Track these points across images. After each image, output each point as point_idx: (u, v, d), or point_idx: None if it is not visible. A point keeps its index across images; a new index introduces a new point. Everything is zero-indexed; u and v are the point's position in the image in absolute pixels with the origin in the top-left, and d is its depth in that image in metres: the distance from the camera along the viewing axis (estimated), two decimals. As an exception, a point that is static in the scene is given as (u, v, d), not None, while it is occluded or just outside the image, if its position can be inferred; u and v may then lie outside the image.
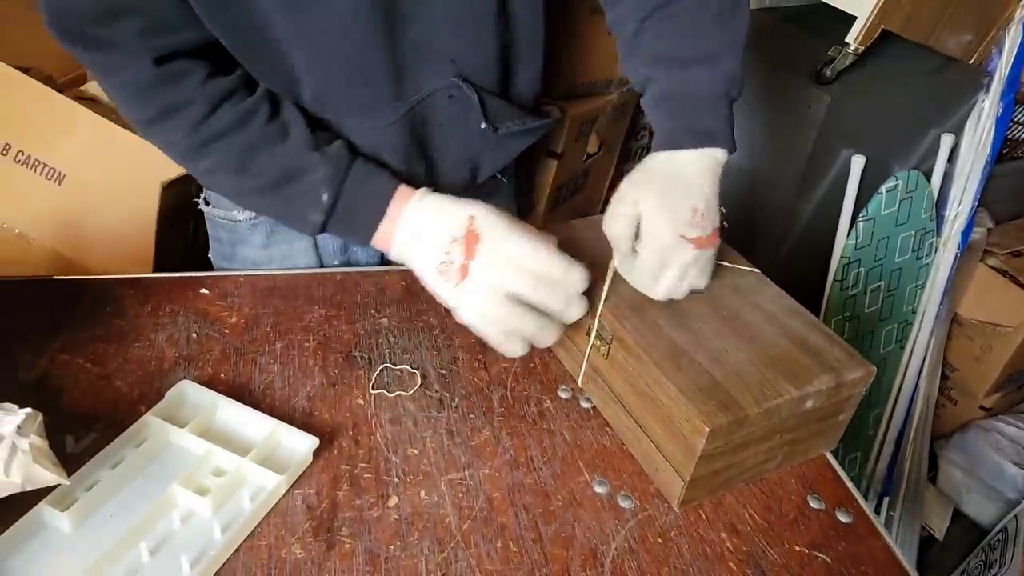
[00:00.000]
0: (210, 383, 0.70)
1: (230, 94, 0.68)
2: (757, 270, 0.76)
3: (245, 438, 0.66)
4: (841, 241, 1.42)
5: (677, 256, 0.67)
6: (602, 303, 0.69)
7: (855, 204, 1.40)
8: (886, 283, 1.48)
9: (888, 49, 1.36)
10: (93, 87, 1.44)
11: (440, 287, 0.68)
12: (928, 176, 1.42)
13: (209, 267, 0.95)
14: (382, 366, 0.75)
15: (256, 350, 0.75)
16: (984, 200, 1.50)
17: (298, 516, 0.60)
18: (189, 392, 0.69)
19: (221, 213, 0.89)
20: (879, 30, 1.26)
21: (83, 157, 1.22)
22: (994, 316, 1.63)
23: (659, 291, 0.68)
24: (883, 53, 1.35)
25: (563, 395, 0.74)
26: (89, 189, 1.22)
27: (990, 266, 1.64)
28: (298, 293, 0.83)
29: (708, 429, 0.58)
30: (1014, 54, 1.33)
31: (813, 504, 0.66)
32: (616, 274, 0.72)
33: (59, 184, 1.22)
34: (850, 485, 0.69)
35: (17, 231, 1.23)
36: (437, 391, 0.73)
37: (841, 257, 1.42)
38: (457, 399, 0.72)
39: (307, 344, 0.77)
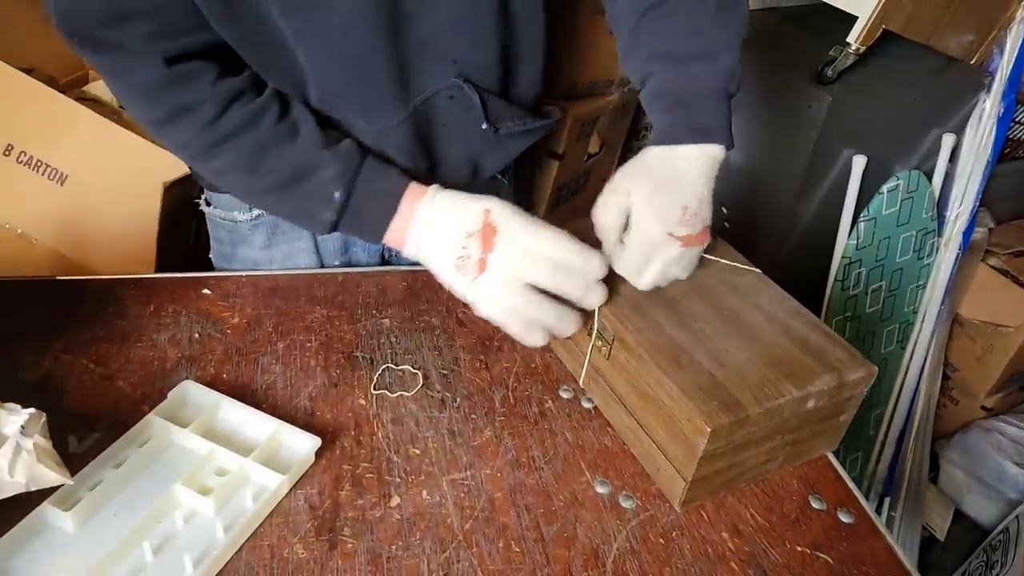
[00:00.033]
0: (212, 383, 0.70)
1: (240, 94, 0.68)
2: (758, 270, 0.76)
3: (247, 438, 0.66)
4: (842, 241, 1.42)
5: (663, 252, 0.68)
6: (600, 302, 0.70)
7: (856, 204, 1.40)
8: (887, 283, 1.48)
9: (889, 49, 1.36)
10: (95, 88, 1.45)
11: (458, 282, 0.68)
12: (929, 176, 1.42)
13: (210, 267, 0.95)
14: (384, 366, 0.75)
15: (258, 350, 0.75)
16: (985, 200, 1.50)
17: (300, 516, 0.60)
18: (191, 392, 0.69)
19: (222, 214, 0.89)
20: (880, 30, 1.26)
21: (85, 158, 1.22)
22: (995, 316, 1.63)
23: (642, 283, 0.70)
24: (884, 53, 1.35)
25: (565, 395, 0.74)
26: (91, 189, 1.23)
27: (991, 266, 1.64)
28: (300, 293, 0.83)
29: (710, 429, 0.58)
30: (1015, 54, 1.33)
31: (815, 504, 0.66)
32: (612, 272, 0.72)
33: (61, 184, 1.22)
34: (851, 485, 0.69)
35: (19, 231, 1.23)
36: (439, 391, 0.73)
37: (842, 257, 1.42)
38: (459, 399, 0.72)
39: (309, 344, 0.77)
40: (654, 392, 0.64)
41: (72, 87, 1.45)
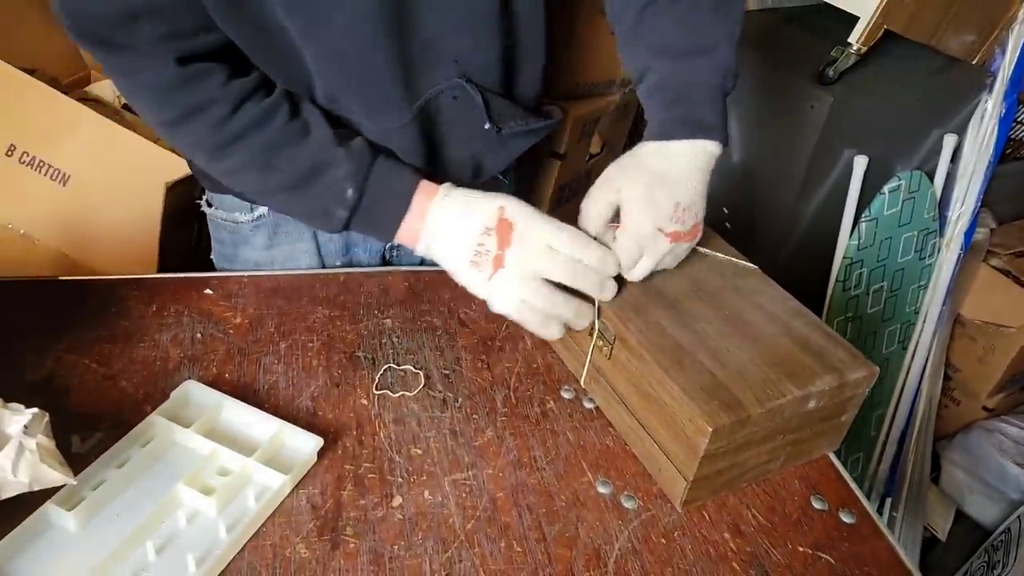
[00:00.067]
0: (215, 383, 0.71)
1: (251, 94, 0.68)
2: (755, 267, 0.76)
3: (250, 438, 0.66)
4: (843, 241, 1.42)
5: (653, 247, 0.69)
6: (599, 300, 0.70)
7: (858, 204, 1.40)
8: (888, 284, 1.48)
9: (891, 49, 1.36)
10: (97, 88, 1.45)
11: (473, 279, 0.69)
12: (931, 176, 1.42)
13: (212, 268, 0.95)
14: (386, 366, 0.75)
15: (260, 350, 0.76)
16: (987, 200, 1.50)
17: (303, 516, 0.60)
18: (194, 392, 0.69)
19: (223, 215, 0.89)
20: (882, 30, 1.26)
21: (87, 158, 1.22)
22: (997, 317, 1.63)
23: (632, 276, 0.71)
24: (886, 53, 1.35)
25: (566, 395, 0.74)
26: (93, 190, 1.23)
27: (993, 266, 1.64)
28: (302, 294, 0.83)
29: (711, 429, 0.58)
30: (1017, 54, 1.33)
31: (816, 505, 0.66)
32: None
33: (63, 185, 1.23)
34: (853, 486, 0.69)
35: (22, 232, 1.23)
36: (440, 391, 0.73)
37: (843, 258, 1.42)
38: (460, 399, 0.73)
39: (311, 344, 0.77)
40: (655, 392, 0.64)
41: (74, 88, 1.45)
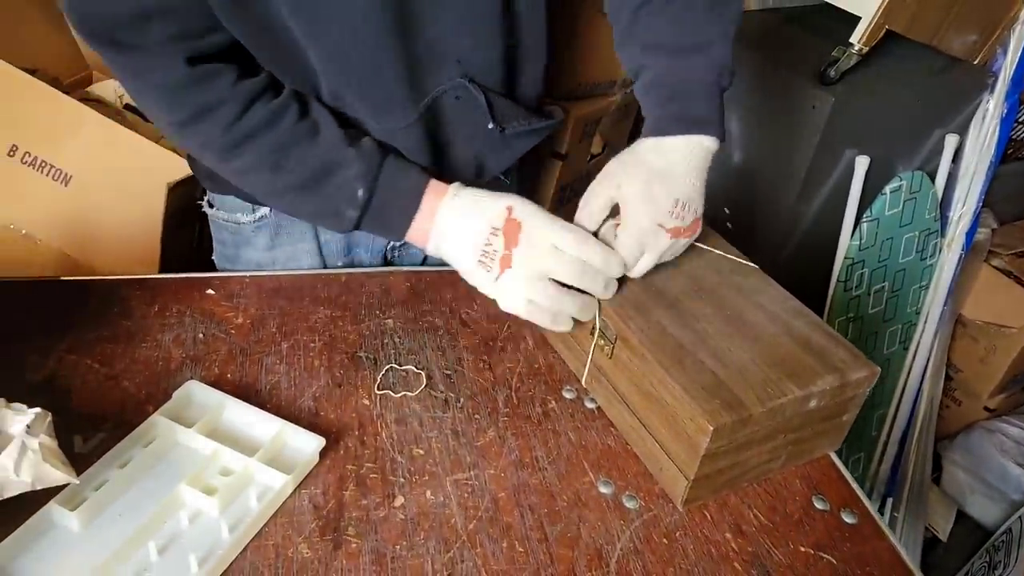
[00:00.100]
0: (217, 383, 0.71)
1: (260, 94, 0.69)
2: (755, 265, 0.76)
3: (252, 438, 0.66)
4: (845, 242, 1.42)
5: (654, 243, 0.70)
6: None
7: (859, 205, 1.40)
8: (890, 284, 1.47)
9: (892, 49, 1.36)
10: (99, 88, 1.45)
11: (481, 278, 0.69)
12: (932, 177, 1.42)
13: (214, 269, 0.95)
14: (387, 367, 0.75)
15: (262, 350, 0.76)
16: (988, 201, 1.49)
17: (305, 516, 0.60)
18: (196, 392, 0.69)
19: (225, 215, 0.89)
20: (883, 30, 1.26)
21: (89, 158, 1.22)
22: (998, 317, 1.62)
23: (634, 272, 0.72)
24: (887, 53, 1.35)
25: (568, 396, 0.74)
26: (95, 190, 1.23)
27: (994, 267, 1.63)
28: (303, 294, 0.83)
29: (712, 428, 0.58)
30: (1019, 54, 1.33)
31: (818, 505, 0.66)
32: None
33: (65, 185, 1.23)
34: (855, 486, 0.69)
35: (24, 232, 1.24)
36: (442, 391, 0.73)
37: (845, 258, 1.42)
38: (462, 399, 0.73)
39: (313, 345, 0.77)
40: (657, 391, 0.64)
41: (76, 88, 1.45)
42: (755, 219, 1.52)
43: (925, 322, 1.55)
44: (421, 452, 0.67)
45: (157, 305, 0.80)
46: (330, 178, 0.70)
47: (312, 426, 0.67)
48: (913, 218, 1.43)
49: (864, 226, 1.39)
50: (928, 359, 1.58)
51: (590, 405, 0.74)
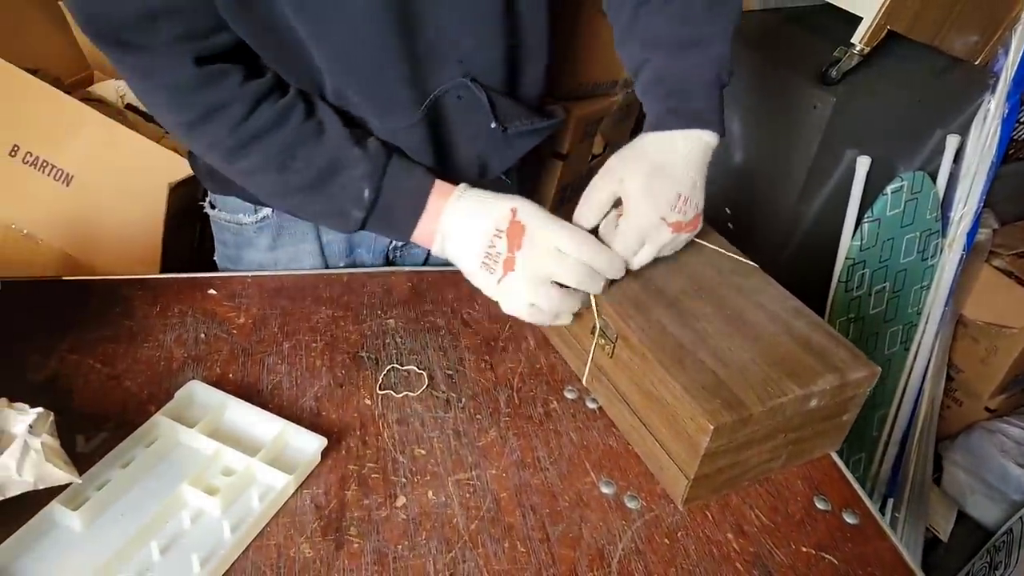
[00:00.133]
0: (219, 383, 0.71)
1: (267, 94, 0.69)
2: (757, 266, 0.76)
3: (254, 438, 0.66)
4: (846, 242, 1.42)
5: (655, 236, 0.70)
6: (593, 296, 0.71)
7: (860, 205, 1.40)
8: (891, 284, 1.47)
9: (894, 50, 1.36)
10: (100, 88, 1.45)
11: (484, 280, 0.69)
12: (933, 177, 1.42)
13: (215, 269, 0.95)
14: (389, 367, 0.75)
15: (264, 350, 0.76)
16: (989, 201, 1.49)
17: (307, 516, 0.60)
18: (198, 392, 0.69)
19: (227, 216, 0.89)
20: (885, 31, 1.26)
21: (91, 158, 1.22)
22: (999, 317, 1.62)
23: (633, 264, 0.72)
24: (889, 54, 1.35)
25: (569, 396, 0.74)
26: (97, 190, 1.23)
27: (995, 267, 1.63)
28: (305, 294, 0.83)
29: (712, 427, 0.58)
30: (1020, 55, 1.33)
31: (820, 505, 0.66)
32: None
33: (67, 185, 1.23)
34: (856, 486, 0.69)
35: (25, 232, 1.24)
36: (444, 392, 0.73)
37: (846, 258, 1.42)
38: (464, 400, 0.73)
39: (314, 345, 0.77)
40: (657, 391, 0.64)
41: (77, 88, 1.45)
42: (756, 219, 1.51)
43: (926, 322, 1.55)
44: (423, 452, 0.67)
45: (159, 305, 0.80)
46: (336, 178, 0.70)
47: (314, 426, 0.67)
48: (914, 218, 1.43)
49: (865, 226, 1.39)
50: (929, 359, 1.58)
51: (592, 405, 0.74)
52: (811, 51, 1.37)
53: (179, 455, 0.64)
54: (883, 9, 1.23)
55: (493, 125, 0.78)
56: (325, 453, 0.65)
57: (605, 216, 0.72)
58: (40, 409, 0.57)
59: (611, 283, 0.71)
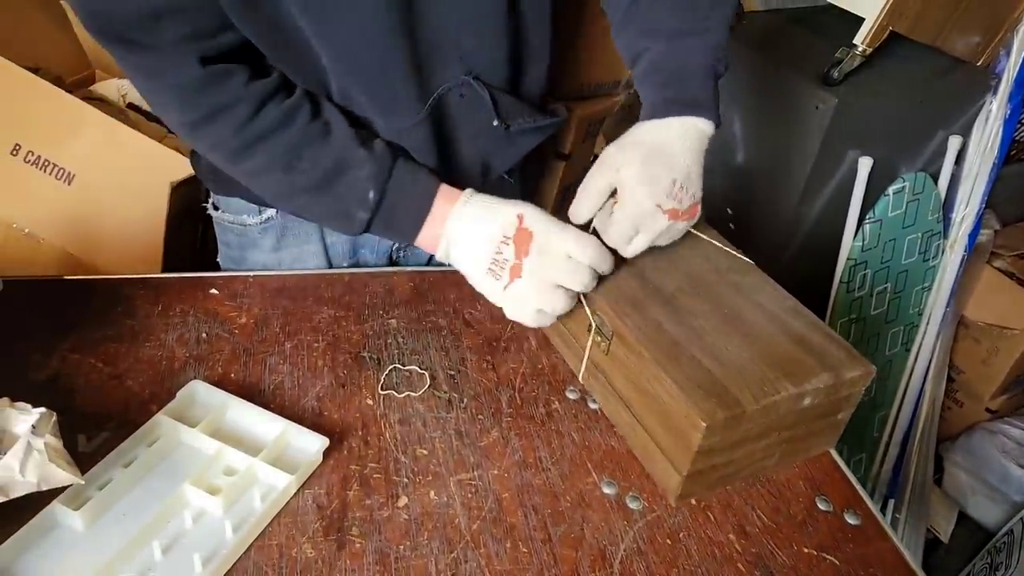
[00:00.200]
0: (220, 383, 0.71)
1: (273, 94, 0.69)
2: (753, 263, 0.76)
3: (256, 438, 0.66)
4: (848, 243, 1.42)
5: (651, 224, 0.70)
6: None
7: (862, 206, 1.40)
8: (892, 285, 1.47)
9: (896, 50, 1.36)
10: (102, 87, 1.45)
11: (490, 286, 0.70)
12: (935, 178, 1.42)
13: (217, 268, 0.95)
14: (391, 367, 0.75)
15: (266, 350, 0.76)
16: (991, 202, 1.49)
17: (308, 516, 0.60)
18: (200, 392, 0.69)
19: (230, 218, 0.89)
20: (887, 31, 1.26)
21: (92, 157, 1.22)
22: (1000, 318, 1.62)
23: (628, 252, 0.72)
24: (891, 54, 1.35)
25: (571, 396, 0.74)
26: (98, 189, 1.23)
27: (997, 268, 1.63)
28: (307, 294, 0.83)
29: (705, 424, 0.58)
30: (1022, 56, 1.32)
31: (821, 506, 0.66)
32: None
33: (68, 184, 1.23)
34: (858, 487, 0.69)
35: (27, 231, 1.24)
36: (446, 392, 0.73)
37: (847, 259, 1.42)
38: (466, 400, 0.73)
39: (316, 344, 0.77)
40: (652, 387, 0.64)
41: (79, 87, 1.45)
42: (758, 220, 1.51)
43: (927, 323, 1.54)
44: (425, 452, 0.67)
45: (161, 304, 0.80)
46: (342, 178, 0.70)
47: (316, 426, 0.67)
48: (916, 219, 1.43)
49: (867, 227, 1.39)
50: (930, 360, 1.58)
51: (593, 406, 0.74)
52: (813, 52, 1.37)
53: (181, 455, 0.64)
54: (885, 10, 1.23)
55: (496, 123, 0.78)
56: (327, 453, 0.65)
57: (601, 207, 0.72)
58: (43, 409, 0.57)
59: (609, 289, 0.71)
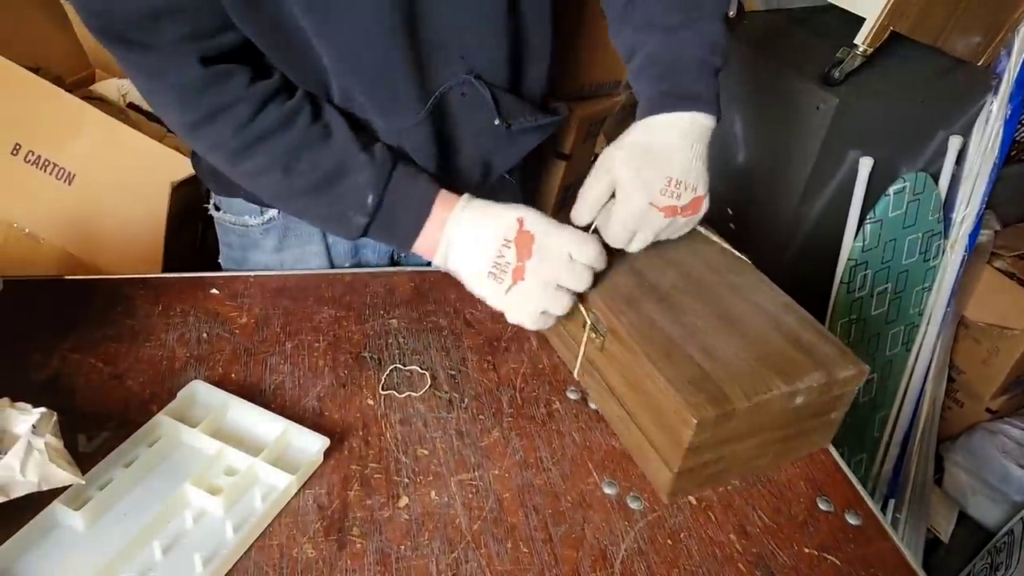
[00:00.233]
0: (221, 383, 0.71)
1: (274, 95, 0.69)
2: (747, 260, 0.76)
3: (256, 438, 0.66)
4: (848, 243, 1.42)
5: (648, 223, 0.71)
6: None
7: (862, 206, 1.40)
8: (893, 285, 1.47)
9: (897, 51, 1.36)
10: (102, 87, 1.45)
11: (491, 290, 0.69)
12: (936, 178, 1.42)
13: (219, 269, 0.95)
14: (392, 367, 0.75)
15: (266, 350, 0.76)
16: (991, 202, 1.49)
17: (309, 516, 0.60)
18: (200, 392, 0.69)
19: (232, 218, 0.89)
20: (888, 32, 1.26)
21: (92, 157, 1.22)
22: (1001, 319, 1.62)
23: (632, 248, 0.73)
24: (891, 55, 1.35)
25: (572, 396, 0.74)
26: (99, 189, 1.23)
27: (997, 268, 1.63)
28: (308, 294, 0.83)
29: (695, 421, 0.59)
30: (1023, 56, 1.32)
31: (822, 506, 0.66)
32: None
33: (69, 184, 1.23)
34: (859, 487, 0.69)
35: (27, 231, 1.24)
36: (447, 392, 0.73)
37: (848, 259, 1.42)
38: (466, 400, 0.73)
39: (317, 344, 0.77)
40: (644, 384, 0.64)
41: (79, 86, 1.45)
42: (758, 220, 1.51)
43: (928, 323, 1.54)
44: (425, 452, 0.67)
45: (161, 304, 0.80)
46: (342, 181, 0.70)
47: (316, 426, 0.67)
48: (916, 219, 1.43)
49: (867, 227, 1.39)
50: (930, 361, 1.58)
51: (594, 406, 0.74)
52: (814, 52, 1.37)
53: (181, 455, 0.64)
54: (886, 10, 1.23)
55: (497, 122, 0.78)
56: (328, 453, 0.65)
57: (603, 208, 0.72)
58: (43, 409, 0.57)
59: (605, 286, 0.72)
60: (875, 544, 0.64)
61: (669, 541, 0.62)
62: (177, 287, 0.82)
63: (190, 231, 1.33)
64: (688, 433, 0.59)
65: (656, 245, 0.74)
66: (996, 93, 1.36)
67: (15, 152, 1.22)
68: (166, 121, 0.71)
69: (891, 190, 1.37)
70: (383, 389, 0.73)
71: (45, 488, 0.55)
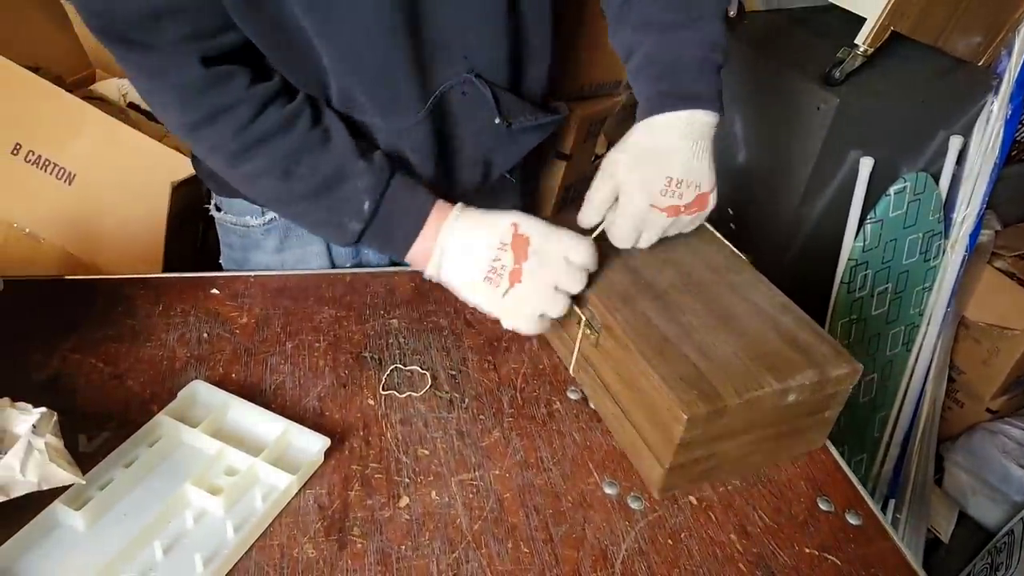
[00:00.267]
0: (221, 383, 0.71)
1: (274, 98, 0.69)
2: (745, 259, 0.77)
3: (257, 438, 0.66)
4: (849, 243, 1.42)
5: (651, 223, 0.71)
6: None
7: (863, 206, 1.40)
8: (893, 285, 1.47)
9: (897, 50, 1.36)
10: (102, 87, 1.45)
11: (488, 294, 0.69)
12: (936, 178, 1.42)
13: (219, 268, 0.95)
14: (392, 367, 0.75)
15: (267, 350, 0.76)
16: (992, 202, 1.49)
17: (310, 516, 0.60)
18: (201, 392, 0.69)
19: (233, 219, 0.89)
20: (888, 31, 1.26)
21: (93, 157, 1.22)
22: (1001, 319, 1.62)
23: (640, 246, 0.74)
24: (892, 55, 1.35)
25: (572, 396, 0.74)
26: (99, 189, 1.23)
27: (997, 268, 1.63)
28: (308, 294, 0.83)
29: (686, 417, 0.59)
30: (1023, 56, 1.32)
31: (823, 506, 0.66)
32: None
33: (69, 184, 1.23)
34: (859, 487, 0.69)
35: (27, 231, 1.24)
36: (447, 392, 0.73)
37: (848, 259, 1.42)
38: (467, 400, 0.73)
39: (317, 345, 0.77)
40: (638, 381, 0.65)
41: (79, 86, 1.45)
42: (759, 220, 1.51)
43: (928, 324, 1.54)
44: (426, 452, 0.67)
45: (161, 304, 0.80)
46: (340, 186, 0.70)
47: (317, 426, 0.67)
48: (917, 220, 1.43)
49: (868, 227, 1.39)
50: (931, 361, 1.58)
51: (594, 405, 0.74)
52: (814, 52, 1.37)
53: (182, 455, 0.64)
54: (886, 10, 1.23)
55: (497, 121, 0.78)
56: (328, 453, 0.65)
57: (609, 210, 0.73)
58: (43, 409, 0.57)
59: (601, 283, 0.72)
60: (875, 544, 0.64)
61: (670, 541, 0.62)
62: (178, 287, 0.82)
63: (191, 231, 1.33)
64: (679, 429, 0.60)
65: (656, 243, 0.74)
66: (997, 93, 1.36)
67: (15, 152, 1.22)
68: (166, 122, 0.71)
69: (892, 190, 1.37)
70: (384, 389, 0.73)
71: (45, 488, 0.55)
